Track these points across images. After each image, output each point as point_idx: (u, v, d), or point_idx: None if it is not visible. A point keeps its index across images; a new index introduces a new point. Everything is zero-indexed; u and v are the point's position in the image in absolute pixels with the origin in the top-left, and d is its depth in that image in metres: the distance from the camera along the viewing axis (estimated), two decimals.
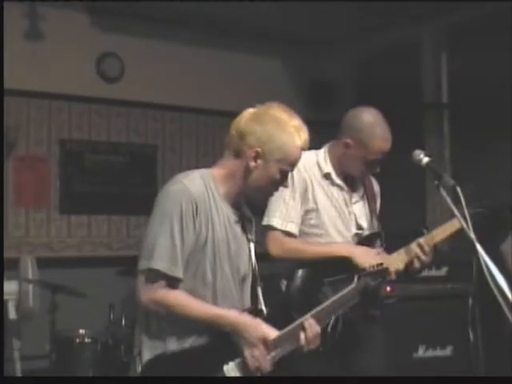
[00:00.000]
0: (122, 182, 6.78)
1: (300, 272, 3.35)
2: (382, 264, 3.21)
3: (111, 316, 5.47)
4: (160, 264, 2.56)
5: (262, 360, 2.59)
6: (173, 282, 2.61)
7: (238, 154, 2.71)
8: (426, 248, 3.32)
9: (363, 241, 3.53)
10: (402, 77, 6.75)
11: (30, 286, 5.32)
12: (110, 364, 4.93)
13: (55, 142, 6.48)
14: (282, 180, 2.76)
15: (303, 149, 2.76)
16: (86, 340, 4.98)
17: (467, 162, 6.27)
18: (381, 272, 3.20)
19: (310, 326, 2.72)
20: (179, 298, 2.61)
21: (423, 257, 3.31)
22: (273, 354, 2.63)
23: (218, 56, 7.16)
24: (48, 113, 6.45)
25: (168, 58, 6.92)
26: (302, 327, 2.71)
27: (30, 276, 5.37)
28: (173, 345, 2.62)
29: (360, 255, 3.32)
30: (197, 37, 6.98)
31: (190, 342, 2.63)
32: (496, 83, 5.94)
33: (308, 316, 2.76)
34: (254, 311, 2.76)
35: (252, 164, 2.68)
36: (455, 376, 4.26)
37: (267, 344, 2.60)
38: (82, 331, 5.03)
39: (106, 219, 6.71)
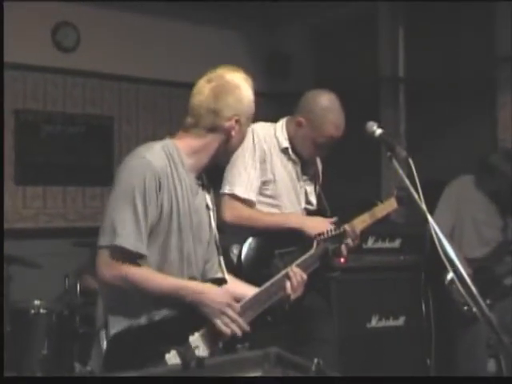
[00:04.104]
0: (78, 153, 6.71)
1: (250, 242, 3.38)
2: (339, 228, 3.27)
3: (66, 286, 5.45)
4: (124, 241, 2.53)
5: (233, 324, 2.61)
6: (137, 259, 2.58)
7: (213, 129, 2.74)
8: (352, 234, 3.38)
9: (311, 215, 3.61)
10: (358, 50, 6.78)
11: None
12: (65, 334, 4.92)
13: (10, 113, 6.39)
14: None
15: None
16: (41, 311, 4.93)
17: (422, 135, 6.34)
18: (338, 236, 3.25)
19: (295, 274, 2.88)
20: (142, 274, 2.59)
21: (350, 243, 3.37)
22: (250, 312, 2.69)
23: (176, 27, 7.11)
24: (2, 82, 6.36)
25: (125, 29, 6.86)
26: (287, 276, 2.86)
27: None
28: (138, 319, 2.60)
29: (312, 226, 3.36)
30: (154, 7, 6.90)
31: (155, 316, 2.62)
32: (452, 58, 5.99)
33: (293, 265, 2.92)
34: (218, 280, 2.79)
35: (233, 133, 2.76)
36: (458, 376, 4.41)
37: (235, 307, 2.63)
38: (37, 302, 4.98)
39: (61, 190, 6.65)
